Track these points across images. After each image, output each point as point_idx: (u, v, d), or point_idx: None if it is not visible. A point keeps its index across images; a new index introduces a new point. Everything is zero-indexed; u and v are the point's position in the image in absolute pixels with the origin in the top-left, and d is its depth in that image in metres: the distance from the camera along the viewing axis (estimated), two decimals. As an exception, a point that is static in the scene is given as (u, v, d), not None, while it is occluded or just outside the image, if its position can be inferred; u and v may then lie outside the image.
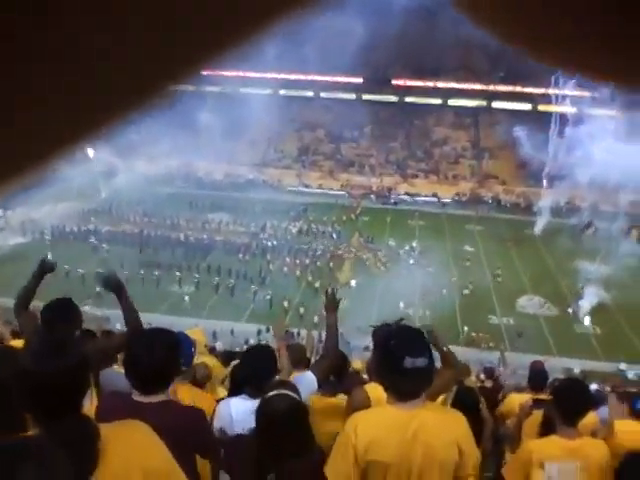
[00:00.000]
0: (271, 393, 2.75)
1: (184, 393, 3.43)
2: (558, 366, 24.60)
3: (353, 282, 32.84)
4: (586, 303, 31.05)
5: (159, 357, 2.47)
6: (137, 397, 2.52)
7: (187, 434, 2.54)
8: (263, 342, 18.07)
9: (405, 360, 2.40)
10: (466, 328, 28.84)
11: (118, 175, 45.14)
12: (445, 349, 3.27)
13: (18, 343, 4.78)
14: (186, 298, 30.94)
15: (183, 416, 2.61)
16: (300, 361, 4.56)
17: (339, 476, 2.50)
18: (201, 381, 5.05)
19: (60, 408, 1.84)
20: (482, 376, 11.88)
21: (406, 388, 2.49)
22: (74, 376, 1.87)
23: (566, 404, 3.52)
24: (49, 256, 28.48)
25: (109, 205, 43.30)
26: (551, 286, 33.42)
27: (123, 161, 46.98)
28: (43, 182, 45.31)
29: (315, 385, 3.54)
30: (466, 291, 32.90)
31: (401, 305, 30.21)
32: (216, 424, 3.24)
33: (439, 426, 2.52)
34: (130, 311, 3.43)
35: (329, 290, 4.10)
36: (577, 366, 25.00)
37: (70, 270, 31.57)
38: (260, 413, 2.70)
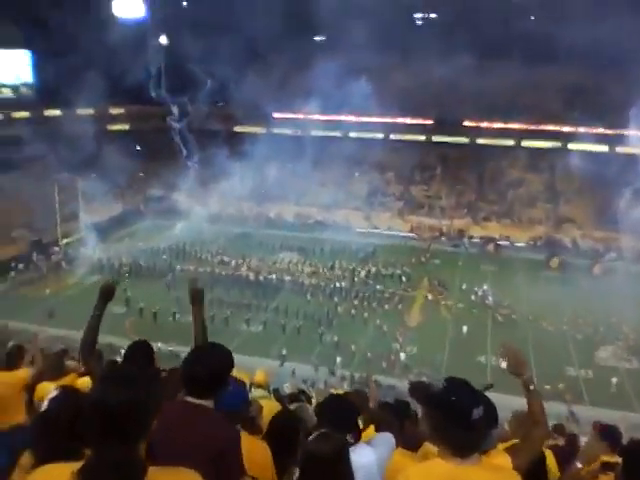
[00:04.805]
0: (315, 433, 2.79)
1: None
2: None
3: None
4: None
5: (212, 364, 2.77)
6: (189, 399, 2.73)
7: (217, 449, 2.57)
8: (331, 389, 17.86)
9: (473, 413, 2.39)
10: (540, 379, 27.55)
11: (192, 215, 46.52)
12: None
13: (83, 382, 4.92)
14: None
15: (221, 431, 2.68)
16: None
17: None
18: (255, 418, 4.99)
19: (115, 436, 1.91)
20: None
21: (471, 441, 2.44)
22: (135, 409, 1.95)
23: (637, 474, 3.22)
24: (128, 292, 29.23)
25: (182, 244, 44.54)
26: (631, 336, 31.56)
27: (197, 201, 48.52)
28: (119, 220, 47.45)
29: (394, 442, 3.58)
30: (540, 339, 31.59)
31: (472, 353, 29.49)
32: None
33: None
34: (198, 325, 3.99)
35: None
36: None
37: (144, 307, 32.58)
38: (302, 453, 2.72)
